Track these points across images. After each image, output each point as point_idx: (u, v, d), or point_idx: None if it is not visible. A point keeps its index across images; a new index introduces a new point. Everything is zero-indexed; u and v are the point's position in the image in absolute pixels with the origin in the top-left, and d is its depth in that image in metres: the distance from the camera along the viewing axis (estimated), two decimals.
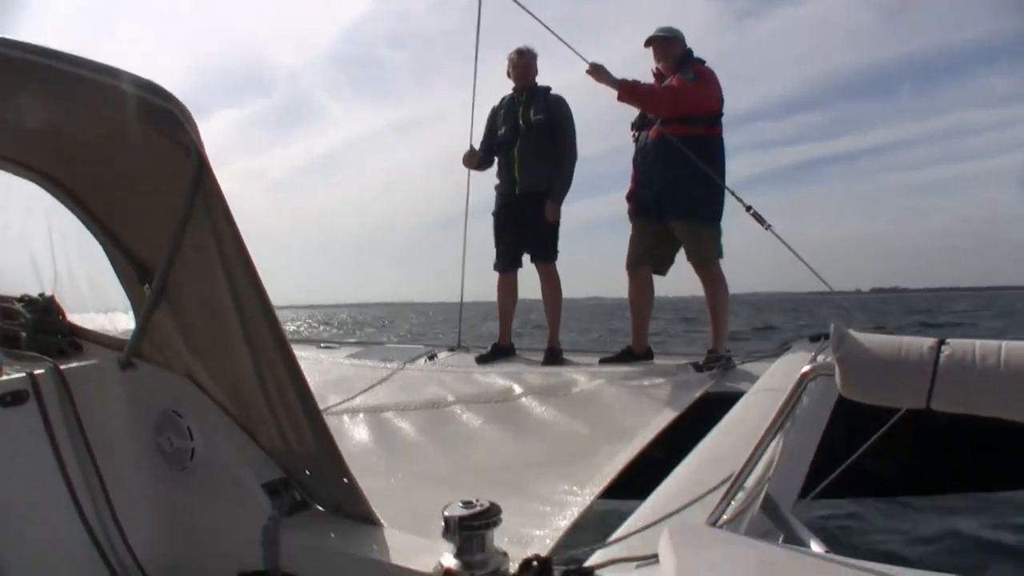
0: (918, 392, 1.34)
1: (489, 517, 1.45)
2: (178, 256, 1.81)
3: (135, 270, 2.00)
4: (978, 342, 1.34)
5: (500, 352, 5.45)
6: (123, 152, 1.80)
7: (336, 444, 1.80)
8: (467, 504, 1.45)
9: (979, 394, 1.31)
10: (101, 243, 2.06)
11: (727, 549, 1.47)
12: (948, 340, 1.36)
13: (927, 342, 1.37)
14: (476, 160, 5.70)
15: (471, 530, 1.43)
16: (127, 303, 2.08)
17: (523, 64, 5.54)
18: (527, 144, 5.43)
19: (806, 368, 1.66)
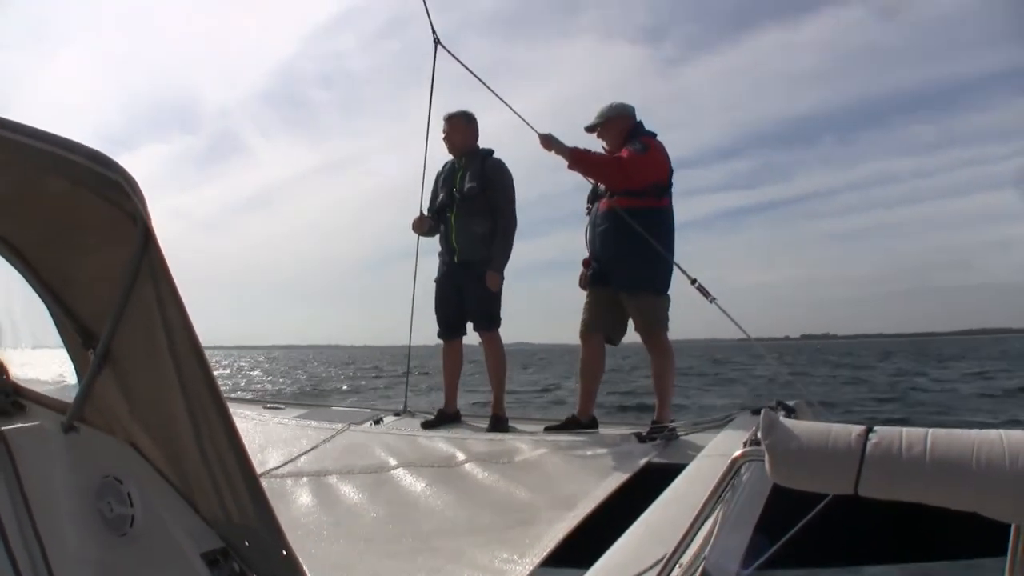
0: (846, 479, 1.37)
1: None
2: (122, 323, 1.81)
3: (79, 334, 1.99)
4: (904, 430, 1.38)
5: (445, 418, 5.42)
6: (70, 219, 1.82)
7: (275, 516, 1.80)
8: None
9: (905, 482, 1.35)
10: (46, 304, 2.05)
11: None
12: (876, 428, 1.40)
13: (855, 430, 1.41)
14: (426, 226, 5.61)
15: None
16: (71, 364, 2.07)
17: (447, 131, 5.52)
18: (462, 212, 5.40)
19: (737, 453, 1.70)
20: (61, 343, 2.08)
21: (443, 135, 5.53)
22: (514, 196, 5.48)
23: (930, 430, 1.36)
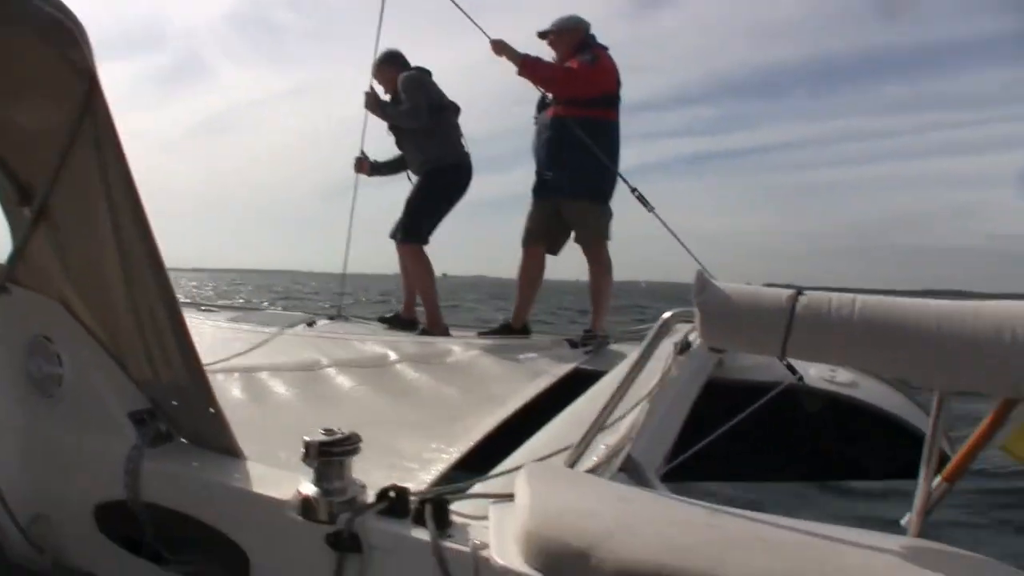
0: (774, 340, 1.39)
1: (348, 444, 1.50)
2: (60, 179, 1.78)
3: (16, 191, 1.95)
4: (834, 294, 1.39)
5: (402, 323, 5.51)
6: (11, 69, 1.76)
7: (205, 374, 1.81)
8: (328, 431, 1.51)
9: (832, 344, 1.37)
10: None
11: (583, 486, 1.54)
12: (805, 291, 1.42)
13: (785, 293, 1.42)
14: (368, 168, 5.81)
15: (329, 456, 1.48)
16: (5, 226, 2.04)
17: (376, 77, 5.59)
18: (398, 137, 5.59)
19: (667, 314, 1.72)
20: None
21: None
22: (414, 89, 5.36)
23: (859, 295, 1.38)
